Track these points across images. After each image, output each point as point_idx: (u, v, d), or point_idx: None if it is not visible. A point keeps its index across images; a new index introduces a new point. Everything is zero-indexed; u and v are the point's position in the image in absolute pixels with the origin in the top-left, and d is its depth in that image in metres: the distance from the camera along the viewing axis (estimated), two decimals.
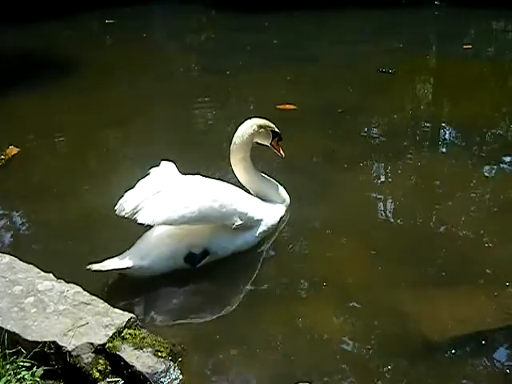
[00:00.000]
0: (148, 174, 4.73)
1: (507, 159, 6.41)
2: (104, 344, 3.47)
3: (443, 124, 7.50)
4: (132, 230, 4.52)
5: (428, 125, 7.48)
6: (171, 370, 3.49)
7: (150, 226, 4.41)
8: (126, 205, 4.35)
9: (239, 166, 5.06)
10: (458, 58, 10.77)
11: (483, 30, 13.93)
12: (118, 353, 3.47)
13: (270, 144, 5.19)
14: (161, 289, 4.39)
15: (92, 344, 3.45)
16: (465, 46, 11.30)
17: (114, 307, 3.75)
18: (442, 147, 6.90)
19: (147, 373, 3.40)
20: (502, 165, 6.32)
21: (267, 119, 5.16)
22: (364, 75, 9.45)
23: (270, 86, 8.79)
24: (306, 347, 3.86)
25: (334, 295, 4.34)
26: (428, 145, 6.95)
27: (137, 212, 4.28)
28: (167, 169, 4.80)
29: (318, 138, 5.58)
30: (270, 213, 4.98)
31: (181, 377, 3.49)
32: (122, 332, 3.59)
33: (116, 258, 4.31)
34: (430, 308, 4.19)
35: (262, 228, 4.84)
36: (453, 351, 3.78)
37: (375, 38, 12.02)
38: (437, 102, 8.59)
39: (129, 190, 4.51)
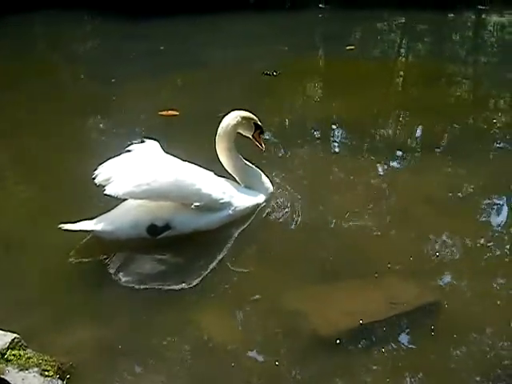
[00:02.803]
0: (129, 149, 5.01)
1: (393, 154, 6.63)
2: None
3: (329, 123, 7.64)
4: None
5: (314, 124, 7.61)
6: None
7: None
8: (100, 175, 4.71)
9: (224, 155, 5.30)
10: (342, 59, 11.04)
11: (367, 31, 14.32)
12: (1, 376, 3.32)
13: (252, 136, 5.46)
14: (45, 299, 4.32)
15: None
16: (348, 47, 11.56)
17: None
18: (330, 145, 7.04)
19: None
20: (388, 160, 6.50)
21: (251, 112, 5.41)
22: (249, 78, 9.55)
23: (155, 92, 8.76)
24: (198, 353, 3.84)
25: (225, 297, 4.36)
26: (316, 143, 7.05)
27: (107, 183, 4.62)
28: (149, 147, 5.08)
29: (199, 143, 5.59)
30: (241, 199, 5.20)
31: None
32: (6, 354, 3.46)
33: (87, 221, 4.68)
34: (319, 303, 4.26)
35: (227, 212, 5.05)
36: (343, 344, 3.85)
37: (260, 41, 12.15)
38: (322, 102, 8.73)
39: (109, 159, 4.85)
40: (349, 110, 8.06)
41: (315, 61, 11.28)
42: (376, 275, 4.50)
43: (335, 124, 7.63)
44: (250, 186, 5.39)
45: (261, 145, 5.53)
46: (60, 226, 4.55)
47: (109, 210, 4.84)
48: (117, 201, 4.83)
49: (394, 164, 6.44)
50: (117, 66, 10.36)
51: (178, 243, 4.82)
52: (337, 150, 6.86)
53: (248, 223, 5.21)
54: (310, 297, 4.36)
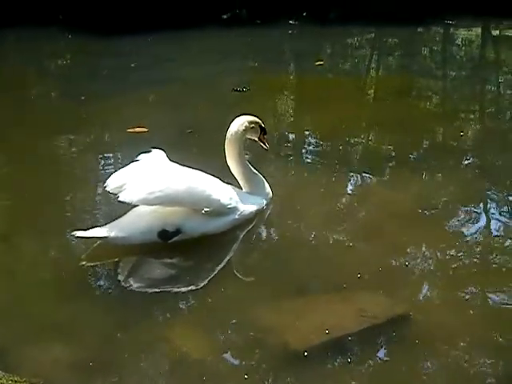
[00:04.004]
0: (138, 159, 5.24)
1: (365, 168, 6.66)
2: None
3: (300, 138, 7.70)
4: None
5: (285, 139, 7.63)
6: None
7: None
8: (112, 183, 4.93)
9: (233, 160, 5.53)
10: (312, 74, 11.13)
11: (337, 46, 14.42)
12: None
13: (258, 138, 5.68)
14: (19, 312, 4.30)
15: None
16: (317, 63, 11.63)
17: None
18: (301, 160, 7.04)
19: None
20: (359, 174, 6.56)
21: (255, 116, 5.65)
22: (219, 95, 9.58)
23: (125, 109, 8.71)
24: (169, 368, 3.85)
25: (196, 314, 4.37)
26: (287, 158, 7.07)
27: (120, 191, 4.81)
28: (156, 156, 5.30)
29: None
30: (245, 204, 5.41)
31: None
32: None
33: (99, 228, 4.87)
34: (290, 319, 4.24)
35: (234, 216, 5.27)
36: (313, 358, 3.85)
37: (231, 57, 12.20)
38: (292, 118, 8.79)
39: (120, 169, 5.10)
40: (319, 124, 8.11)
41: (285, 76, 11.29)
42: (347, 288, 4.53)
43: (306, 139, 7.68)
44: (252, 191, 5.60)
45: (265, 144, 5.76)
46: (73, 233, 4.77)
47: (117, 218, 5.01)
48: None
49: (365, 178, 6.48)
50: (88, 83, 10.31)
51: (178, 248, 4.99)
52: (308, 164, 6.87)
53: (247, 229, 5.42)
54: (282, 311, 4.36)
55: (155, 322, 4.26)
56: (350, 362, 3.84)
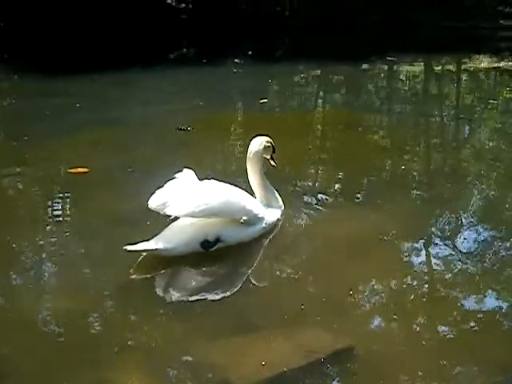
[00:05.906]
0: (174, 177, 5.61)
1: (310, 203, 6.71)
2: None
3: (245, 175, 7.64)
4: None
5: (229, 177, 7.48)
6: None
7: (175, 218, 5.37)
8: (156, 200, 5.32)
9: (253, 176, 6.12)
10: (256, 112, 11.31)
11: (283, 84, 14.61)
12: None
13: (270, 156, 6.23)
14: None
15: None
16: (261, 101, 11.74)
17: None
18: None
19: None
20: (305, 208, 6.57)
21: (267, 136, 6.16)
22: (162, 134, 9.61)
23: (68, 149, 8.60)
24: None
25: (137, 353, 4.25)
26: None
27: (165, 206, 5.22)
28: (188, 174, 5.75)
29: (106, 199, 5.59)
30: (269, 214, 5.95)
31: None
32: None
33: (147, 242, 5.19)
34: (233, 356, 4.19)
35: (262, 225, 5.79)
36: None
37: (177, 97, 12.31)
38: (236, 155, 8.73)
39: (159, 188, 5.42)
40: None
41: (230, 114, 11.42)
42: (289, 322, 4.51)
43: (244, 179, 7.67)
44: (269, 203, 6.11)
45: (275, 162, 6.28)
46: (125, 247, 5.04)
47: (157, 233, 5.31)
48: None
49: (312, 211, 6.48)
50: (31, 124, 10.21)
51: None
52: None
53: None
54: (223, 347, 4.30)
55: (96, 364, 4.10)
56: None
